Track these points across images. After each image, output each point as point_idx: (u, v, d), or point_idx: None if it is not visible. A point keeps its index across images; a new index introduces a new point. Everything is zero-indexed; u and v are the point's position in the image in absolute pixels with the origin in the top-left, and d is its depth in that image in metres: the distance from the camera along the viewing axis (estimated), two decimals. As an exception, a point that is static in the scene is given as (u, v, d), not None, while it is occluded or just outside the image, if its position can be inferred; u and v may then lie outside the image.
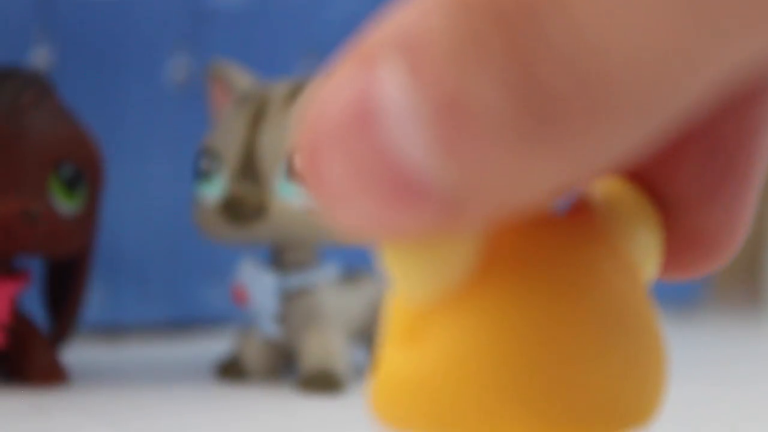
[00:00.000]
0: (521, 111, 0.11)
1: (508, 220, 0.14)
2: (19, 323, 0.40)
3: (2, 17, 0.49)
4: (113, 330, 0.53)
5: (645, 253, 0.16)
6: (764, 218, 0.72)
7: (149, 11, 0.53)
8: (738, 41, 0.11)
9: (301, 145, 0.12)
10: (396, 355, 0.15)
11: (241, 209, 0.38)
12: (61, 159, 0.38)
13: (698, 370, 0.46)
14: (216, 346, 0.49)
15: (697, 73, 0.11)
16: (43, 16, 0.50)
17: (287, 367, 0.42)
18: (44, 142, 0.38)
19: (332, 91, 0.12)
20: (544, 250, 0.14)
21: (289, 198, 0.38)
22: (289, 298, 0.41)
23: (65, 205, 0.39)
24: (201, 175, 0.40)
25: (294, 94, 0.40)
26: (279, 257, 0.41)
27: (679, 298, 0.69)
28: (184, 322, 0.55)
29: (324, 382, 0.39)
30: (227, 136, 0.40)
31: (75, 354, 0.45)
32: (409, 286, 0.14)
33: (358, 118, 0.12)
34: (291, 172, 0.38)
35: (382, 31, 0.12)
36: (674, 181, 0.16)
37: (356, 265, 0.43)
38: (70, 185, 0.39)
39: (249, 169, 0.39)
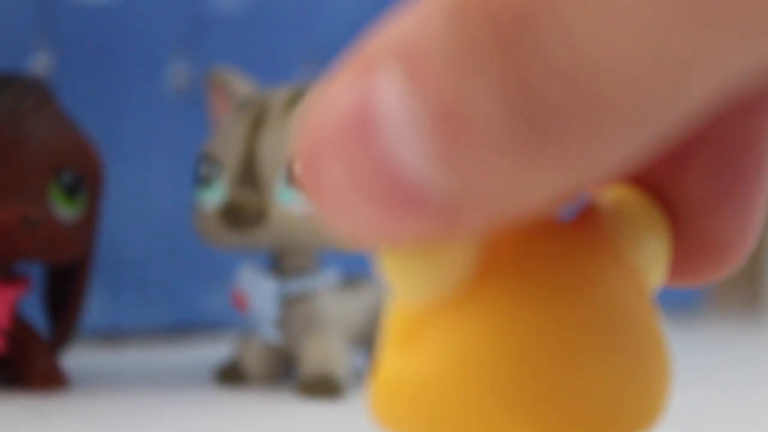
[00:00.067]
0: (517, 120, 0.11)
1: (510, 227, 0.14)
2: (20, 329, 0.40)
3: (2, 23, 0.49)
4: (113, 335, 0.53)
5: (652, 259, 0.16)
6: (765, 224, 0.72)
7: (149, 17, 0.53)
8: (734, 52, 0.11)
9: (301, 151, 0.12)
10: (395, 358, 0.15)
11: (241, 215, 0.38)
12: (61, 165, 0.39)
13: (698, 375, 0.46)
14: (216, 351, 0.49)
15: (692, 84, 0.11)
16: (43, 22, 0.50)
17: (287, 372, 0.42)
18: (44, 149, 0.38)
19: (331, 99, 0.12)
20: (546, 255, 0.14)
21: (288, 204, 0.38)
22: (288, 304, 0.41)
23: (65, 211, 0.39)
24: (201, 180, 0.40)
25: (294, 100, 0.40)
26: (279, 263, 0.41)
27: (679, 303, 0.69)
28: (184, 328, 0.55)
29: (324, 387, 0.39)
30: (227, 142, 0.40)
31: (75, 359, 0.45)
32: (407, 291, 0.14)
33: (357, 126, 0.12)
34: (291, 178, 0.38)
35: (381, 39, 0.12)
36: (683, 186, 0.16)
37: (356, 270, 0.43)
38: (70, 191, 0.39)
39: (249, 175, 0.39)
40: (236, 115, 0.40)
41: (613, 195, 0.16)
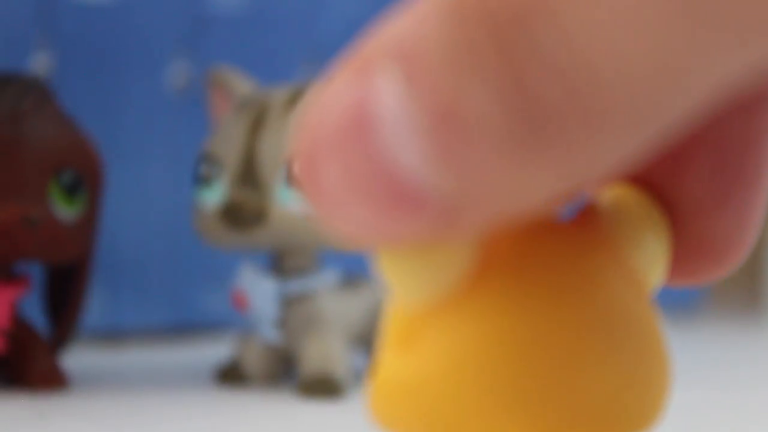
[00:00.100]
0: (515, 120, 0.11)
1: (509, 227, 0.14)
2: (20, 329, 0.40)
3: (2, 23, 0.49)
4: (113, 335, 0.53)
5: (652, 259, 0.16)
6: (765, 223, 0.72)
7: (149, 17, 0.53)
8: (732, 52, 0.11)
9: (299, 151, 0.12)
10: (394, 359, 0.15)
11: (241, 215, 0.38)
12: (61, 165, 0.39)
13: (698, 375, 0.46)
14: (216, 351, 0.49)
15: (690, 84, 0.11)
16: (43, 22, 0.50)
17: (287, 372, 0.42)
18: (44, 148, 0.38)
19: (329, 99, 0.12)
20: (545, 255, 0.14)
21: (288, 204, 0.38)
22: (288, 304, 0.41)
23: (65, 210, 0.39)
24: (201, 180, 0.40)
25: (294, 99, 0.40)
26: (279, 263, 0.41)
27: (679, 302, 0.69)
28: (184, 328, 0.56)
29: (324, 387, 0.39)
30: (227, 142, 0.40)
31: (75, 359, 0.45)
32: (405, 291, 0.14)
33: (355, 126, 0.12)
34: (291, 178, 0.38)
35: (379, 40, 0.12)
36: (682, 186, 0.16)
37: (356, 270, 0.43)
38: (70, 191, 0.39)
39: (249, 174, 0.39)
40: (236, 114, 0.40)
41: (613, 194, 0.16)
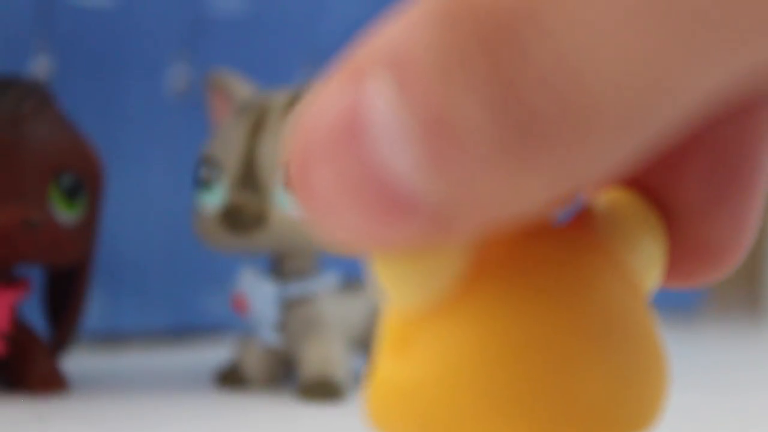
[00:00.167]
0: (504, 128, 0.11)
1: (503, 230, 0.14)
2: (19, 331, 0.40)
3: (2, 27, 0.49)
4: (113, 338, 0.53)
5: (648, 262, 0.16)
6: (764, 225, 0.72)
7: (149, 21, 0.53)
8: (721, 60, 0.11)
9: (292, 156, 0.13)
10: (389, 362, 0.15)
11: (241, 218, 0.38)
12: (61, 168, 0.39)
13: (697, 377, 0.46)
14: (216, 354, 0.49)
15: (679, 92, 0.11)
16: (43, 25, 0.50)
17: (287, 375, 0.43)
18: (44, 152, 0.38)
19: (322, 104, 0.12)
20: (540, 259, 0.14)
21: (288, 207, 0.38)
22: (288, 307, 0.41)
23: (65, 214, 0.39)
24: (201, 183, 0.40)
25: (293, 103, 0.40)
26: (279, 266, 0.41)
27: (678, 305, 0.69)
28: (184, 330, 0.56)
29: (324, 390, 0.39)
30: (227, 145, 0.40)
31: (75, 362, 0.45)
32: (398, 296, 0.14)
33: (347, 131, 0.12)
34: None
35: (371, 46, 0.12)
36: (678, 189, 0.16)
37: (356, 273, 0.43)
38: (70, 194, 0.39)
39: (249, 177, 0.39)
40: (236, 117, 0.40)
41: (608, 198, 0.16)
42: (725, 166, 0.16)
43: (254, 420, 0.36)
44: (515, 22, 0.11)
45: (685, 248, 0.16)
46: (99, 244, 0.42)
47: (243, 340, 0.42)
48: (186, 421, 0.35)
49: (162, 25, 0.54)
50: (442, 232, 0.12)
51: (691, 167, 0.16)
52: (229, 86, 0.42)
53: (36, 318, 0.42)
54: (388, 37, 0.12)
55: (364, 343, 0.43)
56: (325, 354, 0.40)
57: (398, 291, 0.14)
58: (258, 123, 0.39)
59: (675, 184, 0.16)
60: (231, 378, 0.42)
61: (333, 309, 0.41)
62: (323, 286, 0.41)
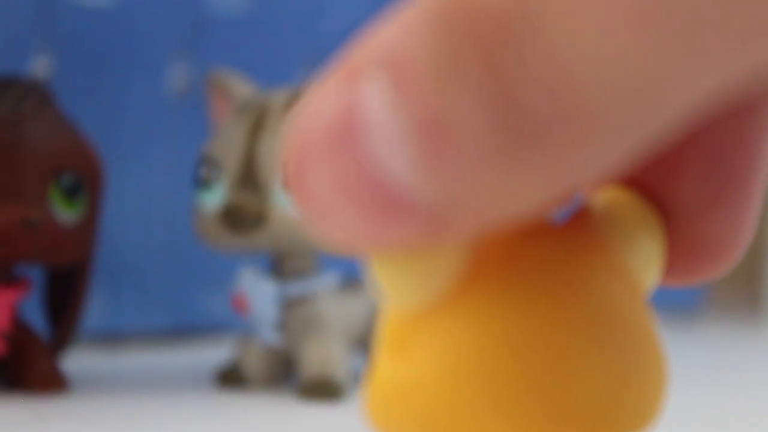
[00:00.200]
0: (499, 130, 0.11)
1: (501, 230, 0.14)
2: (19, 331, 0.40)
3: (2, 26, 0.49)
4: (113, 338, 0.53)
5: (646, 261, 0.16)
6: (764, 225, 0.72)
7: (149, 20, 0.53)
8: (720, 61, 0.11)
9: (288, 157, 0.13)
10: (388, 362, 0.15)
11: (241, 217, 0.38)
12: (61, 168, 0.39)
13: (697, 377, 0.46)
14: (216, 353, 0.49)
15: (674, 94, 0.11)
16: (43, 25, 0.50)
17: (287, 374, 0.43)
18: (44, 151, 0.38)
19: (318, 105, 0.12)
20: (538, 258, 0.14)
21: (288, 206, 0.38)
22: (288, 306, 0.41)
23: (65, 213, 0.39)
24: (201, 183, 0.40)
25: (293, 102, 0.40)
26: (279, 265, 0.41)
27: (678, 304, 0.69)
28: (184, 330, 0.56)
29: (324, 390, 0.39)
30: (227, 145, 0.40)
31: (75, 362, 0.45)
32: (396, 296, 0.14)
33: (343, 132, 0.12)
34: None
35: (367, 47, 0.12)
36: (676, 188, 0.16)
37: (355, 273, 0.43)
38: (70, 194, 0.39)
39: (249, 177, 0.39)
40: (236, 117, 0.40)
41: (606, 197, 0.16)
42: (723, 165, 0.16)
43: (254, 420, 0.36)
44: (510, 23, 0.11)
45: (683, 247, 0.16)
46: (99, 244, 0.42)
47: (243, 339, 0.42)
48: (186, 421, 0.35)
49: (162, 25, 0.54)
50: (438, 232, 0.12)
51: (689, 166, 0.16)
52: (229, 86, 0.42)
53: (36, 318, 0.42)
54: (383, 37, 0.12)
55: (363, 342, 0.43)
56: (325, 354, 0.40)
57: (396, 291, 0.14)
58: (258, 123, 0.39)
59: (673, 183, 0.16)
60: (231, 378, 0.42)
61: (333, 309, 0.41)
62: (323, 285, 0.41)
